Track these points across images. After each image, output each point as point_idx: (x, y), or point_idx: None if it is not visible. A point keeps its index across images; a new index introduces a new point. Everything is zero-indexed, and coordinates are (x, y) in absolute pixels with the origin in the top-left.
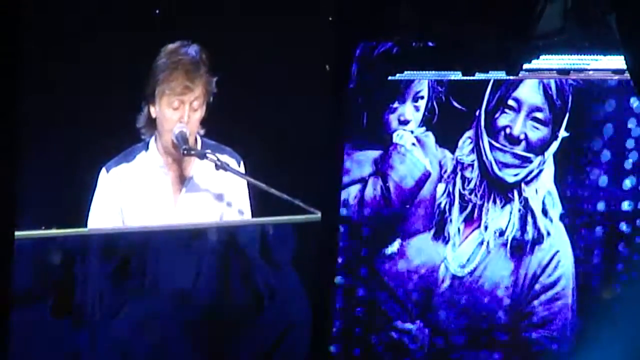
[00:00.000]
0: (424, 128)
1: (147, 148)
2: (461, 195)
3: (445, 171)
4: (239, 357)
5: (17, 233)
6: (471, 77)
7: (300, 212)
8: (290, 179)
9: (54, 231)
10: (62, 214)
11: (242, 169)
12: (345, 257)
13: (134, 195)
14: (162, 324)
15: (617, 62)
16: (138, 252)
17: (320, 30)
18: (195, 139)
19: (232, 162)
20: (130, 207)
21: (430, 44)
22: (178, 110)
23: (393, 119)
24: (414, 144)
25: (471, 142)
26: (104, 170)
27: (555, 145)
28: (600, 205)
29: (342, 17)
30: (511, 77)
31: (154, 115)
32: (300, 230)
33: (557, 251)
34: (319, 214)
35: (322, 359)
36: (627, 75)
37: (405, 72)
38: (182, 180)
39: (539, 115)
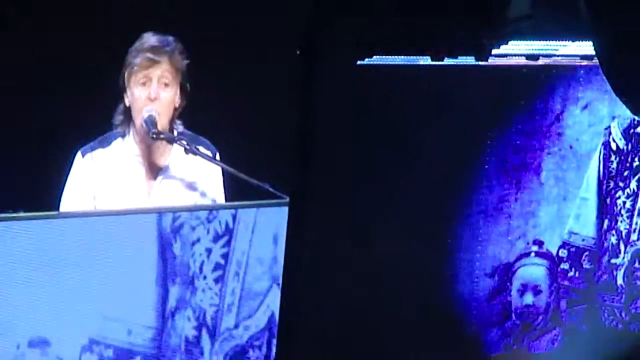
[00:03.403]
0: None
1: (124, 135)
2: None
3: None
4: None
5: None
6: (440, 63)
7: (269, 197)
8: (259, 163)
9: (21, 214)
10: (32, 197)
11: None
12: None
13: (107, 182)
14: None
15: (586, 48)
16: None
17: (291, 14)
18: (172, 130)
19: (208, 154)
20: (104, 194)
21: (399, 28)
22: (145, 86)
23: None
24: None
25: None
26: (79, 154)
27: None
28: None
29: (312, 1)
30: (480, 63)
31: (127, 103)
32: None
33: None
34: (287, 199)
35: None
36: (595, 61)
37: (375, 57)
38: (157, 169)
39: None
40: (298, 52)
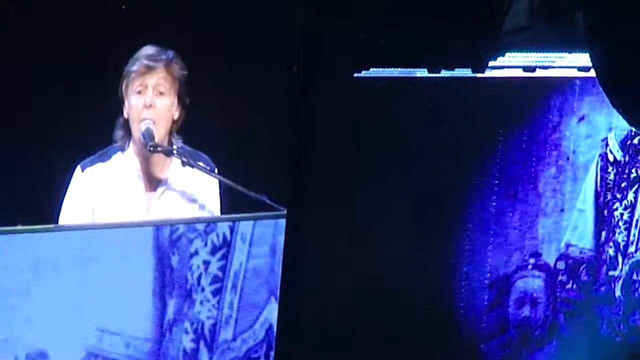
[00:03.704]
0: None
1: (123, 149)
2: None
3: None
4: None
5: None
6: (437, 75)
7: (267, 209)
8: (256, 176)
9: (19, 227)
10: (31, 211)
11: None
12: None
13: (106, 196)
14: None
15: (582, 59)
16: None
17: (287, 28)
18: (172, 144)
19: (205, 167)
20: (103, 208)
21: (396, 40)
22: (141, 94)
23: None
24: None
25: None
26: (78, 168)
27: None
28: None
29: (309, 14)
30: (477, 75)
31: (126, 115)
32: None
33: None
34: (284, 211)
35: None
36: (592, 72)
37: (371, 69)
38: (156, 182)
39: None
40: (294, 68)
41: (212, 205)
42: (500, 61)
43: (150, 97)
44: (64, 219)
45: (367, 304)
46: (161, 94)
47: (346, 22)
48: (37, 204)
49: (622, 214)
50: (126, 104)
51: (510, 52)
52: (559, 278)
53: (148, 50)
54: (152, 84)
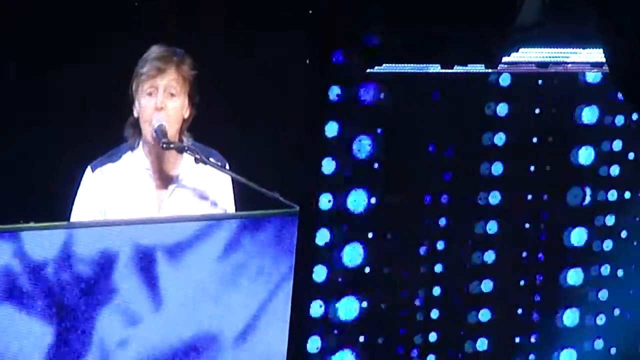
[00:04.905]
0: None
1: (133, 149)
2: None
3: None
4: None
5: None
6: (450, 70)
7: (279, 206)
8: (269, 173)
9: (31, 225)
10: (43, 211)
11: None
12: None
13: (117, 197)
14: None
15: (596, 55)
16: None
17: (299, 25)
18: (182, 141)
19: (217, 164)
20: (113, 208)
21: (408, 36)
22: (152, 96)
23: None
24: None
25: None
26: (89, 169)
27: None
28: None
29: (320, 10)
30: (490, 70)
31: (136, 114)
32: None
33: None
34: (297, 208)
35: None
36: (605, 68)
37: (384, 65)
38: (168, 179)
39: None
40: (307, 62)
41: (224, 202)
42: (513, 57)
43: (161, 100)
44: (75, 219)
45: (380, 301)
46: (172, 95)
47: (358, 19)
48: (49, 205)
49: None
50: (136, 103)
51: (524, 47)
52: None
53: (158, 51)
54: (163, 86)
